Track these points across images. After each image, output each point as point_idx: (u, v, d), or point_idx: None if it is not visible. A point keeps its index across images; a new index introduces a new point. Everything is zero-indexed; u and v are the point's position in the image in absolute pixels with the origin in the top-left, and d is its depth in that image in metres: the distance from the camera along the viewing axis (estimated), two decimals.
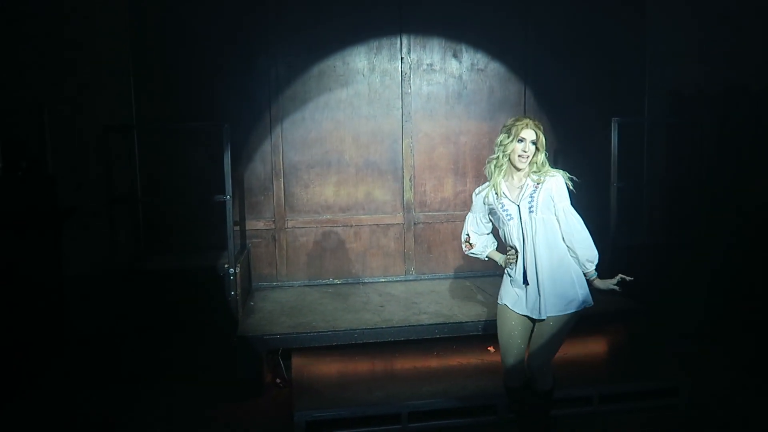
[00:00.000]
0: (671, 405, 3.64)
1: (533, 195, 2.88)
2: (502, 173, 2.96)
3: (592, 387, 3.63)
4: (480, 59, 5.26)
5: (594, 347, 4.30)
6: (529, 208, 2.88)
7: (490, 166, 3.00)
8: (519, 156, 2.88)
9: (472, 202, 3.14)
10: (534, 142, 2.88)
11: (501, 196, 2.95)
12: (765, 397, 3.78)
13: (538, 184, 2.90)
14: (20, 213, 3.90)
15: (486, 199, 3.03)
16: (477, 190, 3.11)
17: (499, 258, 3.12)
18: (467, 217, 3.18)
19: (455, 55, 5.24)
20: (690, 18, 5.12)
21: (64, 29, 4.36)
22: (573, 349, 4.11)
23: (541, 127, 2.92)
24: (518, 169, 2.93)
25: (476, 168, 5.32)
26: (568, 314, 2.91)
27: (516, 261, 2.95)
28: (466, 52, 5.25)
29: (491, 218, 3.10)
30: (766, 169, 4.74)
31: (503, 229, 3.01)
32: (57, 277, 4.23)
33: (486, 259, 3.17)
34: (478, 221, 3.13)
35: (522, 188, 2.93)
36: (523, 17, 5.26)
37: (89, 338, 4.23)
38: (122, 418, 3.61)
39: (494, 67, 5.29)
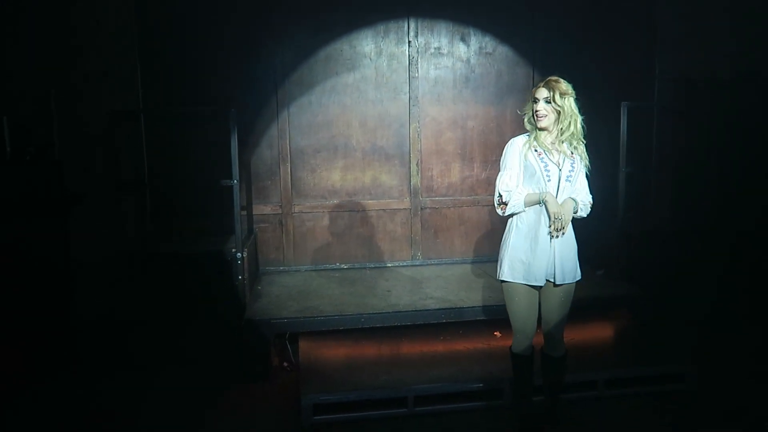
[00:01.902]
0: (677, 391, 3.64)
1: (573, 165, 2.92)
2: (535, 135, 2.95)
3: (597, 372, 3.63)
4: (488, 43, 5.21)
5: (599, 333, 4.30)
6: (568, 177, 2.91)
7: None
8: (536, 117, 2.90)
9: (504, 158, 2.98)
10: (548, 101, 2.86)
11: (544, 153, 2.91)
12: None
13: (573, 154, 2.93)
14: (28, 199, 3.92)
15: (523, 152, 2.92)
16: (512, 141, 2.99)
17: (549, 201, 2.86)
18: (500, 177, 2.96)
19: (463, 39, 5.19)
20: (702, 2, 5.04)
21: (70, 15, 4.34)
22: (578, 335, 4.11)
23: (561, 83, 2.86)
24: (540, 129, 2.92)
25: (484, 153, 5.30)
26: (573, 283, 3.03)
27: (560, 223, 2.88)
28: (474, 35, 5.20)
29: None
30: None
31: (533, 189, 2.92)
32: (65, 262, 4.25)
33: (524, 210, 2.93)
34: (514, 177, 2.94)
35: (561, 153, 2.92)
36: (531, 0, 5.19)
37: (97, 323, 4.26)
38: (130, 402, 3.65)
39: (502, 51, 5.24)
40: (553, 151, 2.93)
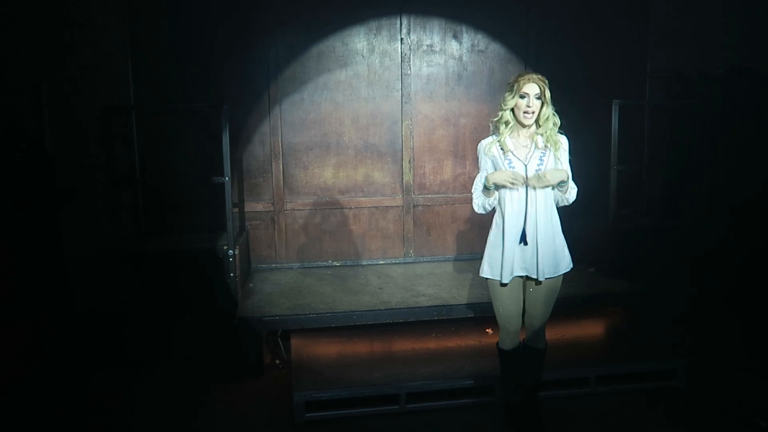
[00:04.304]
0: (669, 386, 3.66)
1: (542, 158, 2.87)
2: (508, 129, 2.90)
3: (589, 368, 3.64)
4: (480, 40, 5.21)
5: (591, 329, 4.31)
6: (537, 171, 2.85)
7: (496, 123, 2.94)
8: (524, 113, 2.83)
9: (478, 161, 3.00)
10: (538, 97, 2.82)
11: (507, 152, 2.88)
12: (760, 379, 3.80)
13: (546, 147, 2.88)
14: (20, 194, 3.90)
15: (489, 152, 2.92)
16: (481, 145, 2.98)
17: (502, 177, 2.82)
18: (477, 179, 2.99)
19: (455, 36, 5.19)
20: None
21: (63, 10, 4.32)
22: (570, 332, 4.13)
23: (546, 81, 2.85)
24: (525, 126, 2.88)
25: (476, 150, 5.26)
26: (560, 275, 3.00)
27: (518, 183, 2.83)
28: (467, 33, 5.19)
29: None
30: None
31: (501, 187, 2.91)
32: (57, 258, 4.24)
33: (491, 187, 2.89)
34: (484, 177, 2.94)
35: (529, 148, 2.89)
36: None
37: (90, 319, 4.25)
38: (123, 399, 3.64)
39: (495, 49, 5.24)
40: (520, 147, 2.90)
